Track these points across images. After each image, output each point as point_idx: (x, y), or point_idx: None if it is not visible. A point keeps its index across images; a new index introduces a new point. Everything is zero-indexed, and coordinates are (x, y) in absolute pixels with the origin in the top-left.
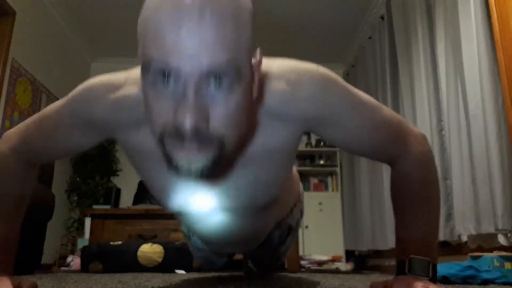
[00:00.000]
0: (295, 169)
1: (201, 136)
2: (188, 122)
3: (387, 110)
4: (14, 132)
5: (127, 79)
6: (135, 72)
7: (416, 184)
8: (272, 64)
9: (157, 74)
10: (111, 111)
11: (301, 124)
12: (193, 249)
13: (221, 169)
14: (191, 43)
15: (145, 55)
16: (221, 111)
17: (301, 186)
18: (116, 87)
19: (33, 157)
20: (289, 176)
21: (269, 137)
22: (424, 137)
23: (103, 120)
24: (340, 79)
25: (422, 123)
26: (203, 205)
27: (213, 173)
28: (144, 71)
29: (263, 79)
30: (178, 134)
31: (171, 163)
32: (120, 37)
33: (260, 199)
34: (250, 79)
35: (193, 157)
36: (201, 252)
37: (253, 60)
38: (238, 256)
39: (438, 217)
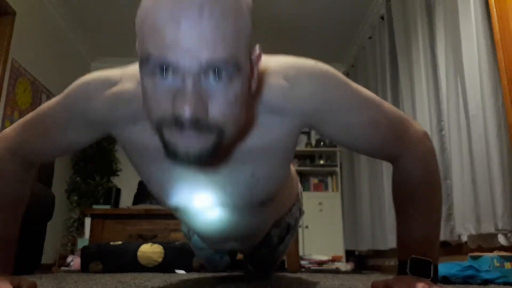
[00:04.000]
0: (293, 168)
1: (200, 125)
2: (187, 111)
3: (388, 106)
4: (9, 133)
5: (123, 75)
6: (132, 68)
7: (418, 184)
8: (271, 60)
9: (156, 67)
10: (108, 107)
11: (299, 119)
12: (194, 249)
13: (218, 157)
14: (190, 38)
15: (143, 50)
16: (220, 101)
17: (300, 186)
18: (112, 83)
19: (31, 157)
20: (288, 174)
21: (267, 133)
22: (425, 134)
23: (100, 116)
24: (339, 75)
25: (422, 123)
26: (200, 200)
27: (210, 160)
28: (143, 63)
29: (262, 74)
30: (177, 123)
31: (169, 150)
32: (120, 37)
33: (258, 196)
34: (249, 73)
35: (192, 144)
36: (203, 251)
37: (253, 55)
38: (239, 256)
39: (440, 217)
